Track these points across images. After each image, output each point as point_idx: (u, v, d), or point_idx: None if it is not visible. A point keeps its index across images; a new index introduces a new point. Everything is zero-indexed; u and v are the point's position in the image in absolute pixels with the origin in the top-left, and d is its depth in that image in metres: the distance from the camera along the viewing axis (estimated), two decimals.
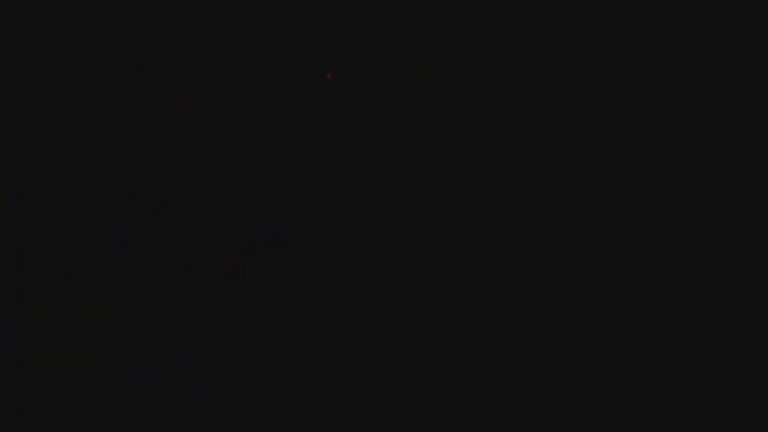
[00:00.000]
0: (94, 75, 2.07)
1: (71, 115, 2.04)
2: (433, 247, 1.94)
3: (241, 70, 2.11)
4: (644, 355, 1.78)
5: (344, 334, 1.85)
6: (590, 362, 1.79)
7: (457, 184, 2.00)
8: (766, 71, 1.94)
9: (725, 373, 1.74)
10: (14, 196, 1.95)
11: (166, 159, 2.02)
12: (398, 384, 1.80)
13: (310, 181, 2.02)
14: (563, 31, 2.07)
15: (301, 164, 2.04)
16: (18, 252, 1.90)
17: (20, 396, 1.77)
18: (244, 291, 1.90)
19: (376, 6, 2.13)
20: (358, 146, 2.06)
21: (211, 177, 2.02)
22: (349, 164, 2.04)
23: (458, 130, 2.04)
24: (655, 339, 1.79)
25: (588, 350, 1.80)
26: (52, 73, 2.06)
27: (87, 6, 2.10)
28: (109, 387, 1.79)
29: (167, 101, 2.07)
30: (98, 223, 1.95)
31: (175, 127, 2.05)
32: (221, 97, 2.09)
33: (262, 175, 2.03)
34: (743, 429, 1.69)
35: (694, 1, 2.01)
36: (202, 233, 1.96)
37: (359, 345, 1.84)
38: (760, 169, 1.90)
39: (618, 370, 1.78)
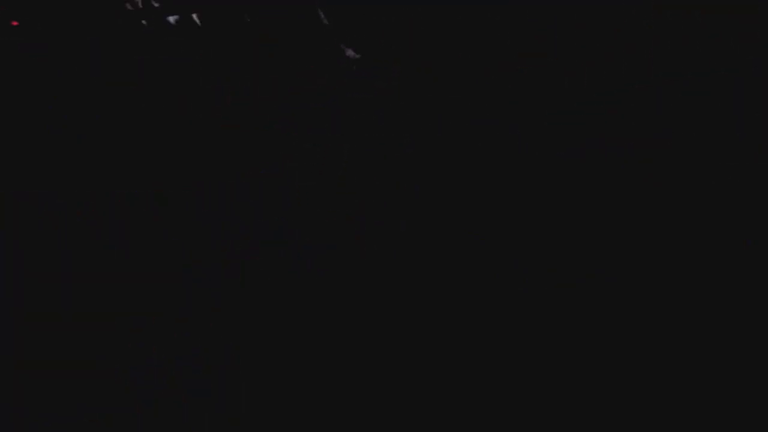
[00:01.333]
0: (94, 75, 2.07)
1: (71, 115, 2.04)
2: (433, 247, 1.94)
3: (241, 70, 2.11)
4: (644, 354, 1.78)
5: (344, 334, 1.85)
6: (590, 362, 1.79)
7: (457, 184, 2.00)
8: (766, 71, 1.94)
9: (725, 373, 1.74)
10: (14, 196, 1.95)
11: (166, 159, 2.02)
12: (398, 383, 1.80)
13: (310, 181, 2.02)
14: (563, 31, 2.07)
15: (301, 164, 2.04)
16: (18, 252, 1.90)
17: (20, 396, 1.77)
18: (244, 291, 1.90)
19: (376, 6, 2.13)
20: (358, 146, 2.06)
21: (211, 177, 2.01)
22: (349, 164, 2.04)
23: (458, 130, 2.04)
24: (654, 339, 1.79)
25: (588, 350, 1.80)
26: (52, 73, 2.06)
27: (87, 6, 2.10)
28: (109, 387, 1.78)
29: (167, 101, 2.07)
30: (98, 223, 1.95)
31: (175, 127, 2.05)
32: (221, 97, 2.09)
33: (262, 175, 2.03)
34: (743, 429, 1.69)
35: (694, 1, 2.01)
36: (202, 233, 1.96)
37: (359, 345, 1.84)
38: (760, 169, 1.90)
39: (618, 370, 1.78)
